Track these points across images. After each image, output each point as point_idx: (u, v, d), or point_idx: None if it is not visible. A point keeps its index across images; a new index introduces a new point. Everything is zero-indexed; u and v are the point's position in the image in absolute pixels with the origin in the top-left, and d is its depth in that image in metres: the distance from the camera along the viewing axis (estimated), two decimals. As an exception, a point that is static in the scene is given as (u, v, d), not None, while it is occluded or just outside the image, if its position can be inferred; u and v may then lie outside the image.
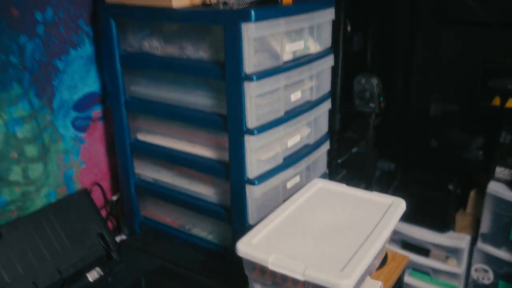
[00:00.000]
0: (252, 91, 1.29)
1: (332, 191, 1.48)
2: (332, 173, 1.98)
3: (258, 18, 1.25)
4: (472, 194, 2.17)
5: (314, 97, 1.56)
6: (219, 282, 1.40)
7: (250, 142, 1.33)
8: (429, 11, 2.45)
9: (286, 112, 1.44)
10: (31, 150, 1.48)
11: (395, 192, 2.15)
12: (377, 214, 1.34)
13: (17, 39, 1.41)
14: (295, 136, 1.52)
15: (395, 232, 2.16)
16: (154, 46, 1.47)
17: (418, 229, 2.12)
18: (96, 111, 1.67)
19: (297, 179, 1.56)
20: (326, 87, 1.62)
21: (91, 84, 1.64)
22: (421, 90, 2.41)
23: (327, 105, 1.63)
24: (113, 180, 1.77)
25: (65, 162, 1.60)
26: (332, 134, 1.88)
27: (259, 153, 1.39)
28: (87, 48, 1.60)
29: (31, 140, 1.48)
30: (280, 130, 1.42)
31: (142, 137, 1.61)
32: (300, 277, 1.08)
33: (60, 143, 1.57)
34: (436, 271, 2.11)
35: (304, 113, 1.51)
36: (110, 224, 1.76)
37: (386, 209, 1.36)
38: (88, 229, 1.48)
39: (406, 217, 2.07)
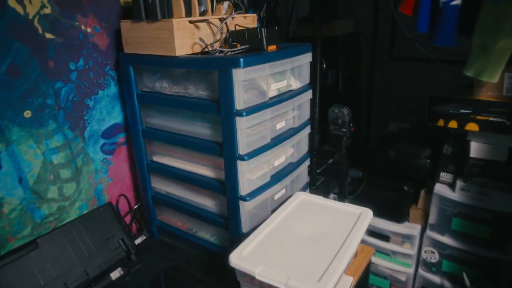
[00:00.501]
0: (242, 124, 1.13)
1: (312, 203, 1.31)
2: (313, 181, 1.81)
3: (246, 65, 1.09)
4: (422, 193, 2.06)
5: (296, 124, 1.39)
6: (220, 280, 1.24)
7: (242, 166, 1.17)
8: (384, 51, 2.30)
9: (273, 139, 1.27)
10: (65, 173, 1.32)
11: (363, 194, 1.98)
12: (349, 223, 1.18)
13: (54, 85, 1.25)
14: (280, 157, 1.35)
15: None
16: (164, 86, 1.31)
17: (381, 220, 2.01)
18: (121, 138, 1.51)
19: (283, 191, 1.39)
20: (306, 115, 1.45)
21: (116, 117, 1.47)
22: (382, 113, 2.24)
23: (307, 130, 1.46)
24: (136, 191, 1.61)
25: (96, 180, 1.44)
26: (311, 151, 1.71)
27: (249, 174, 1.22)
28: (112, 88, 1.44)
29: (65, 165, 1.32)
30: (268, 154, 1.25)
31: (157, 158, 1.45)
32: (283, 287, 0.92)
33: (91, 165, 1.41)
34: (395, 253, 2.03)
35: (288, 139, 1.34)
36: (134, 227, 1.60)
37: (357, 219, 1.20)
38: (111, 236, 1.32)
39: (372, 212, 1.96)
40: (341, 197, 1.63)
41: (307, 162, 1.51)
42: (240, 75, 1.08)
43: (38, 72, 1.20)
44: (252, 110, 1.14)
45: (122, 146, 1.52)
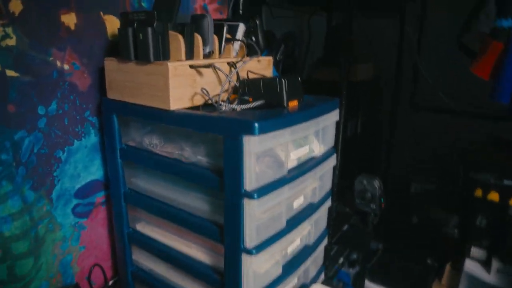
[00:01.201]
0: (252, 208, 0.81)
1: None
2: (329, 268, 1.48)
3: (263, 130, 0.78)
4: (447, 267, 1.72)
5: (317, 198, 1.07)
6: None
7: (248, 260, 0.85)
8: (407, 101, 2.02)
9: (289, 221, 0.95)
10: (19, 247, 0.99)
11: (380, 264, 1.65)
12: None
13: (13, 135, 0.94)
14: (295, 240, 1.03)
15: None
16: (154, 143, 1.00)
17: None
18: (99, 197, 1.19)
19: (294, 282, 1.06)
20: (328, 185, 1.14)
21: (95, 172, 1.16)
22: (403, 171, 1.92)
23: (328, 203, 1.14)
24: (114, 260, 1.27)
25: (63, 250, 1.11)
26: (329, 224, 1.39)
27: (257, 267, 0.89)
28: (92, 138, 1.12)
29: (20, 237, 0.99)
30: (282, 241, 0.93)
31: (141, 227, 1.12)
32: None
33: (57, 232, 1.08)
34: None
35: (306, 219, 1.02)
36: (109, 305, 1.26)
37: None
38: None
39: (387, 286, 1.63)
40: (360, 280, 1.29)
41: (325, 241, 1.18)
42: (253, 145, 0.77)
43: (-9, 120, 0.90)
44: (266, 189, 0.83)
45: (100, 206, 1.19)
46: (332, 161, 1.10)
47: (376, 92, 1.98)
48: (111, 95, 1.01)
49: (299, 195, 0.99)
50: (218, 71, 0.96)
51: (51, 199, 1.06)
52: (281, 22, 1.79)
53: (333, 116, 1.06)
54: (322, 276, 1.22)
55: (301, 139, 0.97)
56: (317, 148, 1.04)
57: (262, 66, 1.12)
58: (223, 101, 0.92)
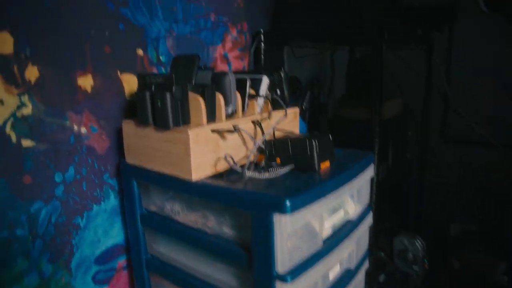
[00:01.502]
0: (285, 293, 0.71)
1: None
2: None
3: (295, 208, 0.68)
4: None
5: (354, 263, 0.96)
6: None
7: None
8: (436, 133, 1.90)
9: (323, 295, 0.85)
10: (36, 325, 0.93)
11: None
12: None
13: (29, 207, 0.88)
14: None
15: None
16: (176, 210, 0.92)
17: None
18: (121, 262, 1.11)
19: None
20: (364, 247, 1.03)
21: (116, 236, 1.08)
22: (438, 211, 1.77)
23: (364, 267, 1.03)
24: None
25: (82, 322, 1.03)
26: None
27: None
28: (112, 201, 1.06)
29: (37, 314, 0.92)
30: (317, 320, 0.82)
31: (165, 296, 1.03)
32: None
33: (76, 304, 1.01)
34: None
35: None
36: None
37: None
38: None
39: None
40: None
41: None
42: (285, 224, 0.68)
43: (6, 195, 0.84)
44: (301, 268, 0.73)
45: (121, 271, 1.11)
46: (369, 220, 0.99)
47: (404, 129, 1.86)
48: (130, 159, 0.94)
49: (335, 264, 0.88)
50: (243, 133, 0.88)
51: (70, 269, 0.99)
52: (303, 61, 1.72)
53: (368, 174, 0.96)
54: None
55: (335, 205, 0.87)
56: (352, 209, 0.94)
57: (288, 119, 1.04)
58: (249, 168, 0.84)
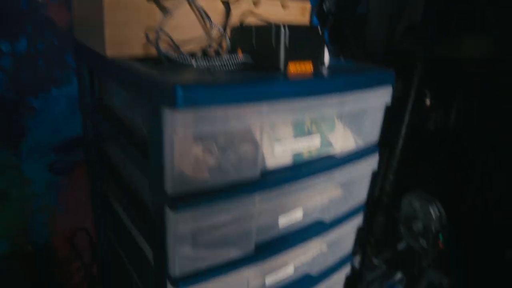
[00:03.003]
0: (181, 226, 0.49)
1: None
2: (367, 276, 1.07)
3: (192, 102, 0.44)
4: None
5: (332, 215, 0.69)
6: None
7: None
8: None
9: (261, 244, 0.61)
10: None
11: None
12: None
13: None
14: (281, 269, 0.68)
15: None
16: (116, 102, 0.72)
17: None
18: (82, 154, 0.98)
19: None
20: (360, 198, 0.74)
21: (78, 128, 0.94)
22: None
23: (354, 222, 0.75)
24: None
25: (34, 208, 0.94)
26: (370, 238, 0.99)
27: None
28: (75, 87, 0.90)
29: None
30: (247, 271, 0.59)
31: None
32: None
33: (26, 188, 0.92)
34: None
35: (304, 241, 0.66)
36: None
37: None
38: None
39: None
40: None
41: (346, 269, 0.80)
42: (179, 123, 0.44)
43: None
44: (205, 200, 0.50)
45: (84, 166, 0.99)
46: (370, 164, 0.70)
47: (490, 78, 1.38)
48: (77, 33, 0.75)
49: (292, 209, 0.63)
50: (196, 10, 0.62)
51: (20, 152, 0.88)
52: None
53: (381, 97, 0.65)
54: None
55: (302, 123, 0.59)
56: (342, 142, 0.65)
57: (289, 13, 0.75)
58: (193, 54, 0.59)
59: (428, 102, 1.17)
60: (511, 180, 1.23)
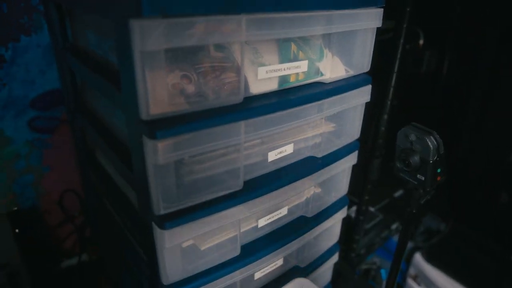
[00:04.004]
0: (160, 154, 0.44)
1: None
2: (364, 223, 1.05)
3: (162, 8, 0.38)
4: None
5: (323, 150, 0.65)
6: None
7: (162, 236, 0.50)
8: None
9: (250, 181, 0.57)
10: None
11: (442, 251, 1.17)
12: None
13: None
14: (278, 207, 0.65)
15: (429, 281, 1.22)
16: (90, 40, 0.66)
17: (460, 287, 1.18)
18: (66, 111, 0.92)
19: (276, 263, 0.70)
20: (352, 132, 0.70)
21: (55, 79, 0.88)
22: (500, 132, 1.29)
23: (350, 159, 0.71)
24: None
25: (18, 169, 0.90)
26: (366, 183, 0.96)
27: (187, 243, 0.55)
28: (46, 35, 0.83)
29: None
30: (237, 211, 0.56)
31: (98, 154, 0.84)
32: None
33: (6, 147, 0.86)
34: None
35: (301, 178, 0.62)
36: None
37: None
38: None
39: (449, 272, 1.17)
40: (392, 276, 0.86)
41: (343, 212, 0.77)
42: (151, 38, 0.39)
43: None
44: (184, 128, 0.45)
45: (68, 123, 0.94)
46: (362, 94, 0.65)
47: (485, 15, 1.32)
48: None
49: (281, 142, 0.59)
50: None
51: (-5, 107, 0.82)
52: None
53: (368, 17, 0.59)
54: (335, 258, 0.83)
55: (288, 48, 0.54)
56: (330, 69, 0.60)
57: None
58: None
59: (421, 42, 1.11)
60: (504, 124, 1.20)
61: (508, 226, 1.17)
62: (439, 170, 0.67)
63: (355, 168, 0.76)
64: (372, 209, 1.14)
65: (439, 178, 0.68)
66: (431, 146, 0.64)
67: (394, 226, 1.19)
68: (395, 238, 1.28)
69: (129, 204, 0.67)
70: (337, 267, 0.86)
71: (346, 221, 1.04)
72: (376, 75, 0.70)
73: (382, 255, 1.19)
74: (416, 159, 0.67)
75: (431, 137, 0.65)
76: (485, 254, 1.16)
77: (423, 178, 0.67)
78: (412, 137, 0.67)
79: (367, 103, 0.68)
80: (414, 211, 0.74)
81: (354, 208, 1.07)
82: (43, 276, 0.93)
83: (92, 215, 0.95)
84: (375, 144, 0.89)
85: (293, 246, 0.67)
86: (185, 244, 0.57)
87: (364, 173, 0.92)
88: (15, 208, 0.89)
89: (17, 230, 0.82)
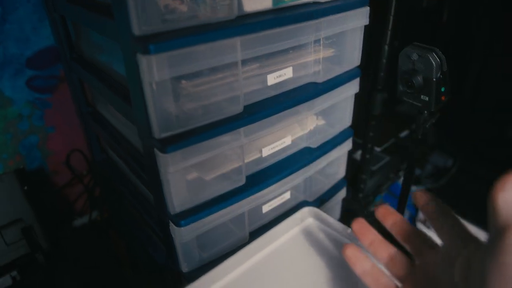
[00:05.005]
0: (156, 73, 0.43)
1: (323, 240, 0.60)
2: (370, 162, 1.04)
3: None
4: None
5: (323, 75, 0.64)
6: None
7: (164, 159, 0.50)
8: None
9: (254, 105, 0.56)
10: None
11: (450, 187, 1.17)
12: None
13: None
14: (281, 137, 0.64)
15: None
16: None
17: (470, 227, 1.16)
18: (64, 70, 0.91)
19: (284, 197, 0.70)
20: (352, 57, 0.68)
21: (49, 36, 0.87)
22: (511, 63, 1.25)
23: (351, 87, 0.70)
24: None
25: (22, 129, 0.90)
26: (370, 119, 0.95)
27: (189, 171, 0.55)
28: (35, -14, 0.81)
29: None
30: (237, 135, 0.55)
31: (100, 107, 0.83)
32: None
33: (8, 108, 0.86)
34: None
35: (299, 103, 0.60)
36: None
37: None
38: (11, 222, 0.79)
39: (458, 213, 1.17)
40: (401, 206, 0.86)
41: (347, 145, 0.76)
42: None
43: None
44: (186, 39, 0.44)
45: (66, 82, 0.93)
46: (360, 16, 0.63)
47: None
48: None
49: (279, 66, 0.57)
50: None
51: (-8, 67, 0.81)
52: None
53: None
54: (343, 193, 0.82)
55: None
56: (325, -12, 0.57)
57: None
58: None
59: (421, -25, 1.07)
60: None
61: (517, 161, 1.16)
62: (443, 89, 0.65)
63: (357, 108, 0.74)
64: (378, 149, 1.13)
65: (444, 98, 0.66)
66: (433, 63, 0.62)
67: (401, 168, 1.18)
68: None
69: (132, 145, 0.67)
70: (345, 205, 0.86)
71: (353, 164, 1.04)
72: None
73: (390, 200, 1.19)
74: (419, 79, 0.65)
75: (433, 53, 0.63)
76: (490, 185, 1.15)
77: (427, 99, 0.65)
78: (414, 56, 0.65)
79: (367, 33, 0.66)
80: (419, 137, 0.73)
81: (359, 152, 1.07)
82: (56, 232, 0.95)
83: (100, 173, 0.95)
84: (377, 77, 0.87)
85: (299, 177, 0.67)
86: (190, 177, 0.57)
87: (367, 109, 0.91)
88: (21, 166, 0.89)
89: (26, 187, 0.83)
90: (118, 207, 0.93)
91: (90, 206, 1.05)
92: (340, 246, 0.57)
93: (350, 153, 0.79)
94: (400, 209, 0.83)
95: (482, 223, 1.15)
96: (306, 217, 0.64)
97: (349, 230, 0.60)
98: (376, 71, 0.88)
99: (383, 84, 0.90)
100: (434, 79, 0.64)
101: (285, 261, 0.55)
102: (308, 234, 0.61)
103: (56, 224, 0.98)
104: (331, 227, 0.61)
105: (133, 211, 0.81)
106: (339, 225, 0.62)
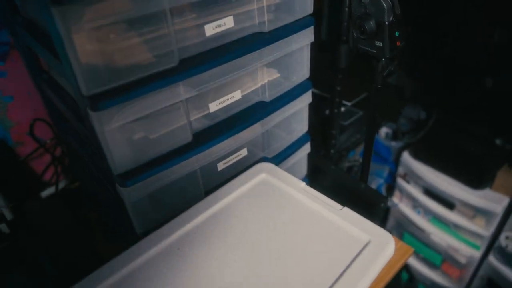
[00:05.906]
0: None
1: (275, 195, 0.59)
2: (339, 117, 1.02)
3: None
4: None
5: (271, 25, 0.60)
6: None
7: (98, 117, 0.48)
8: None
9: (192, 58, 0.53)
10: None
11: (427, 142, 1.16)
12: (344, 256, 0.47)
13: None
14: (228, 94, 0.62)
15: (417, 177, 1.24)
16: None
17: (449, 180, 1.21)
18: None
19: (240, 154, 0.68)
20: (304, 5, 0.64)
21: (-7, 0, 0.82)
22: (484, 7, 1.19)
23: (304, 36, 0.66)
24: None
25: (-23, 100, 0.87)
26: (336, 73, 0.92)
27: (127, 130, 0.53)
28: None
29: None
30: (176, 90, 0.53)
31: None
32: None
33: (-41, 78, 0.83)
34: (458, 227, 1.26)
35: (251, 53, 0.58)
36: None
37: (359, 252, 0.47)
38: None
39: (436, 165, 1.17)
40: (364, 175, 0.85)
41: (307, 98, 0.74)
42: None
43: None
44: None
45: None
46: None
47: None
48: None
49: (218, 15, 0.54)
50: None
51: None
52: None
53: None
54: (307, 148, 0.81)
55: None
56: None
57: None
58: None
59: None
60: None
61: (493, 110, 1.14)
62: (397, 34, 0.62)
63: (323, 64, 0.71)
64: (348, 104, 1.11)
65: (399, 43, 0.63)
66: (385, 5, 0.59)
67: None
68: (377, 137, 1.27)
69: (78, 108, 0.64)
70: (313, 160, 0.85)
71: (323, 119, 1.02)
72: None
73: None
74: (371, 24, 0.62)
75: (386, -4, 0.59)
76: (471, 141, 1.15)
77: (381, 44, 0.62)
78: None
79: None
80: (378, 86, 0.71)
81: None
82: (23, 203, 0.95)
83: (64, 141, 0.94)
84: (340, 28, 0.84)
85: (254, 132, 0.65)
86: (136, 136, 0.55)
87: (333, 62, 0.88)
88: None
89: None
90: (85, 176, 0.92)
91: (58, 176, 1.04)
92: (292, 200, 0.57)
93: (317, 108, 0.78)
94: (366, 161, 0.82)
95: (461, 177, 1.16)
96: (260, 172, 0.63)
97: (302, 184, 0.60)
98: (339, 21, 0.84)
99: (347, 34, 0.86)
100: (387, 23, 0.61)
101: (237, 215, 0.55)
102: (261, 188, 0.60)
103: (23, 195, 0.97)
104: (285, 181, 0.61)
105: (95, 178, 0.80)
106: (293, 179, 0.61)
